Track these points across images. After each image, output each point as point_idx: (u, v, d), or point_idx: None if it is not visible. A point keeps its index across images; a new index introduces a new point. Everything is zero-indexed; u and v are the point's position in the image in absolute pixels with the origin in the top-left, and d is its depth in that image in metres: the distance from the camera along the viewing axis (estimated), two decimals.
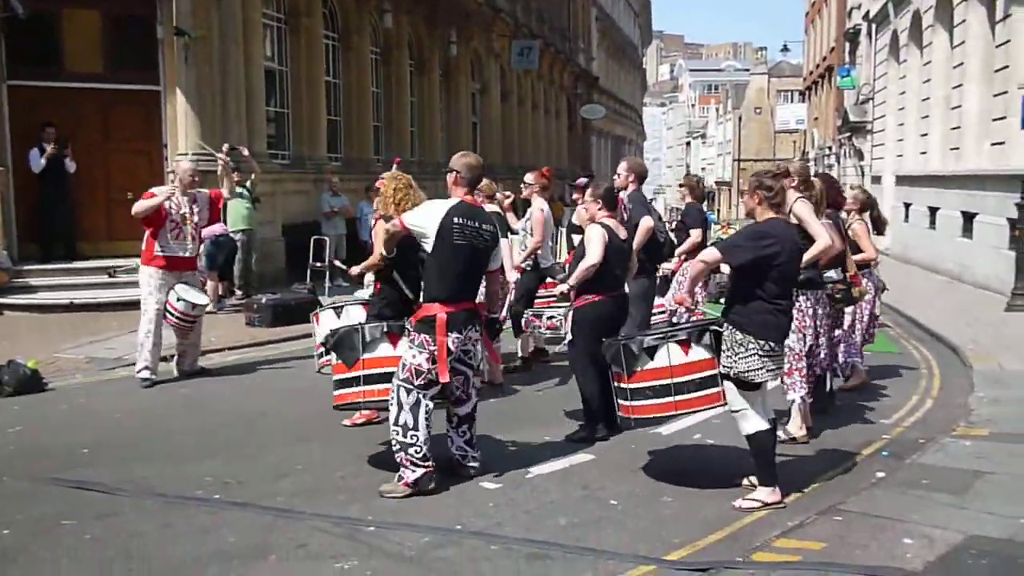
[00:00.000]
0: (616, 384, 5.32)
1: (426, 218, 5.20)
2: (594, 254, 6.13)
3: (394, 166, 6.66)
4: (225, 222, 12.26)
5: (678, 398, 5.06)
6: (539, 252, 8.33)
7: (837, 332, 7.46)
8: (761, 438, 4.96)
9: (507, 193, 9.63)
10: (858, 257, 7.37)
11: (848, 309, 7.51)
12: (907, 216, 19.82)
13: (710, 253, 5.14)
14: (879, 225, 7.95)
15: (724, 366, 4.96)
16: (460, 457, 5.43)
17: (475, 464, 5.44)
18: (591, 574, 4.15)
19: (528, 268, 8.30)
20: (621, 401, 5.30)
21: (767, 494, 4.96)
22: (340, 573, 4.14)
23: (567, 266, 7.07)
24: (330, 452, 6.01)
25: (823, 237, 5.94)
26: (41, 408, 7.27)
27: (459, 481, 5.32)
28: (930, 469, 5.58)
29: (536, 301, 8.23)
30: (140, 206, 7.96)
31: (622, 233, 6.44)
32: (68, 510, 4.91)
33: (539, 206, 8.41)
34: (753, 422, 4.95)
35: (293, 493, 5.21)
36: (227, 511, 4.91)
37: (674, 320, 7.91)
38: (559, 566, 4.23)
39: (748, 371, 4.88)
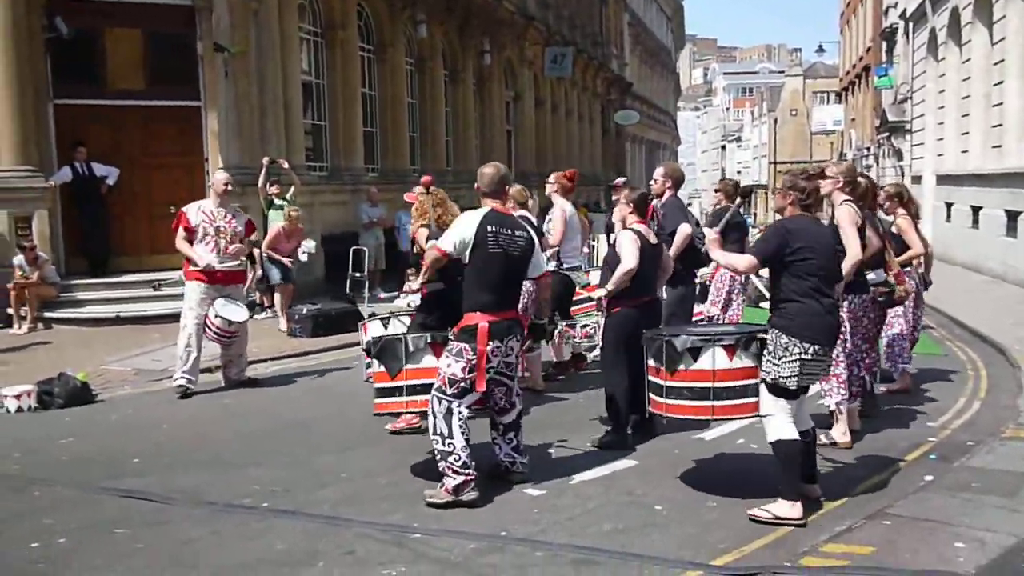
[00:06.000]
0: (651, 378, 5.25)
1: (461, 233, 5.22)
2: (629, 260, 6.11)
3: (419, 188, 6.80)
4: (265, 234, 12.48)
5: (716, 403, 4.98)
6: (561, 252, 8.19)
7: (888, 335, 7.38)
8: (784, 447, 4.78)
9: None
10: (907, 255, 7.25)
11: (899, 311, 7.39)
12: (949, 216, 19.53)
13: (739, 260, 5.24)
14: (911, 209, 7.67)
15: (763, 370, 4.86)
16: (508, 463, 5.48)
17: (523, 470, 5.48)
18: None
19: (552, 270, 8.17)
20: (654, 396, 5.24)
21: (785, 508, 4.75)
22: None
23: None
24: (373, 460, 6.06)
25: (853, 249, 5.83)
26: (91, 419, 7.43)
27: (503, 488, 5.34)
28: (979, 472, 5.51)
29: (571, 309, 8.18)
30: (180, 246, 8.19)
31: (653, 239, 6.41)
32: (120, 518, 5.01)
33: (560, 206, 8.29)
34: (778, 429, 4.79)
35: (338, 501, 5.27)
36: (275, 519, 4.98)
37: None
38: (605, 572, 4.23)
39: (787, 377, 4.75)
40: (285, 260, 11.85)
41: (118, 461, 6.16)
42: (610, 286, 6.21)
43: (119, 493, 5.43)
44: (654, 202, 7.08)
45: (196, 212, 8.21)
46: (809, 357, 4.74)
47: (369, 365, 6.27)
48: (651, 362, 5.24)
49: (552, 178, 8.64)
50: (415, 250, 6.68)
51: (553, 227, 8.21)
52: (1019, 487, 5.19)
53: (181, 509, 5.16)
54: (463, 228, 5.25)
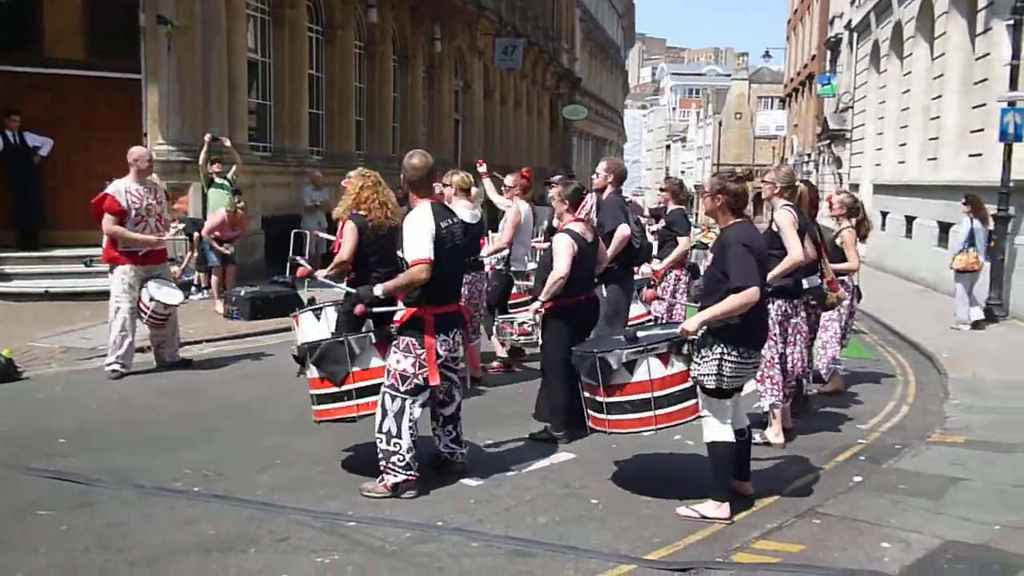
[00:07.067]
0: (588, 395, 5.16)
1: (428, 233, 4.95)
2: (561, 267, 6.04)
3: (353, 173, 6.45)
4: (205, 213, 12.22)
5: (658, 412, 4.93)
6: (512, 255, 8.27)
7: (821, 338, 7.52)
8: (718, 449, 4.81)
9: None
10: (840, 266, 7.38)
11: (833, 316, 7.55)
12: (884, 224, 20.00)
13: (751, 295, 4.66)
14: (861, 230, 7.92)
15: (691, 370, 4.85)
16: (448, 454, 5.43)
17: (463, 460, 5.44)
18: (572, 572, 4.16)
19: (500, 269, 8.29)
20: (594, 413, 5.14)
21: (712, 508, 4.80)
22: (321, 567, 4.13)
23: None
24: (310, 446, 5.97)
25: (795, 252, 5.91)
26: (16, 397, 7.19)
27: (440, 478, 5.31)
28: (907, 474, 5.65)
29: (511, 308, 8.24)
30: (115, 231, 7.84)
31: (589, 236, 6.34)
32: (45, 500, 4.86)
33: (516, 207, 8.28)
34: (714, 430, 4.81)
35: (273, 486, 5.18)
36: (207, 503, 4.88)
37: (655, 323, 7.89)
38: (540, 563, 4.23)
39: (706, 375, 4.74)
40: (223, 248, 11.58)
41: (43, 441, 5.97)
42: (544, 296, 6.17)
43: (44, 474, 5.26)
44: (590, 197, 6.90)
45: (124, 194, 7.87)
46: (733, 358, 4.69)
47: (302, 370, 5.54)
48: (586, 379, 5.14)
49: (511, 180, 8.67)
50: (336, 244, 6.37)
51: (505, 227, 8.23)
52: (944, 490, 5.33)
53: (109, 491, 5.03)
54: (426, 228, 4.96)
